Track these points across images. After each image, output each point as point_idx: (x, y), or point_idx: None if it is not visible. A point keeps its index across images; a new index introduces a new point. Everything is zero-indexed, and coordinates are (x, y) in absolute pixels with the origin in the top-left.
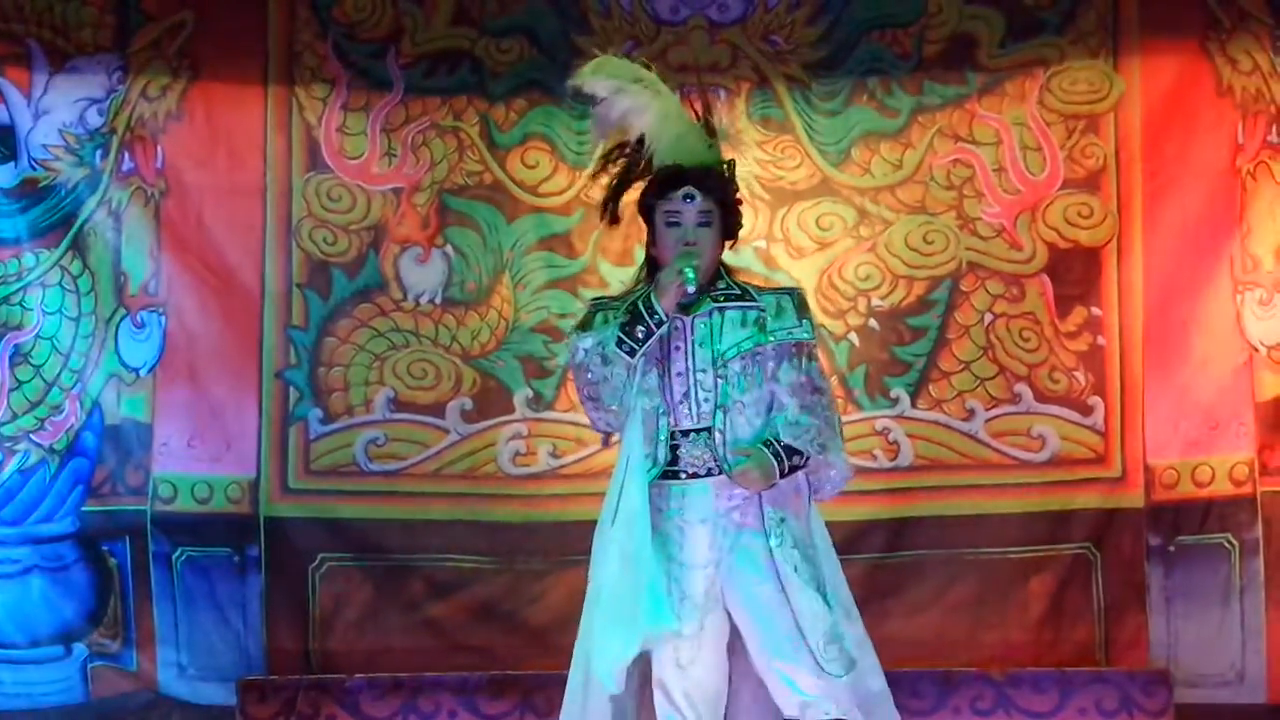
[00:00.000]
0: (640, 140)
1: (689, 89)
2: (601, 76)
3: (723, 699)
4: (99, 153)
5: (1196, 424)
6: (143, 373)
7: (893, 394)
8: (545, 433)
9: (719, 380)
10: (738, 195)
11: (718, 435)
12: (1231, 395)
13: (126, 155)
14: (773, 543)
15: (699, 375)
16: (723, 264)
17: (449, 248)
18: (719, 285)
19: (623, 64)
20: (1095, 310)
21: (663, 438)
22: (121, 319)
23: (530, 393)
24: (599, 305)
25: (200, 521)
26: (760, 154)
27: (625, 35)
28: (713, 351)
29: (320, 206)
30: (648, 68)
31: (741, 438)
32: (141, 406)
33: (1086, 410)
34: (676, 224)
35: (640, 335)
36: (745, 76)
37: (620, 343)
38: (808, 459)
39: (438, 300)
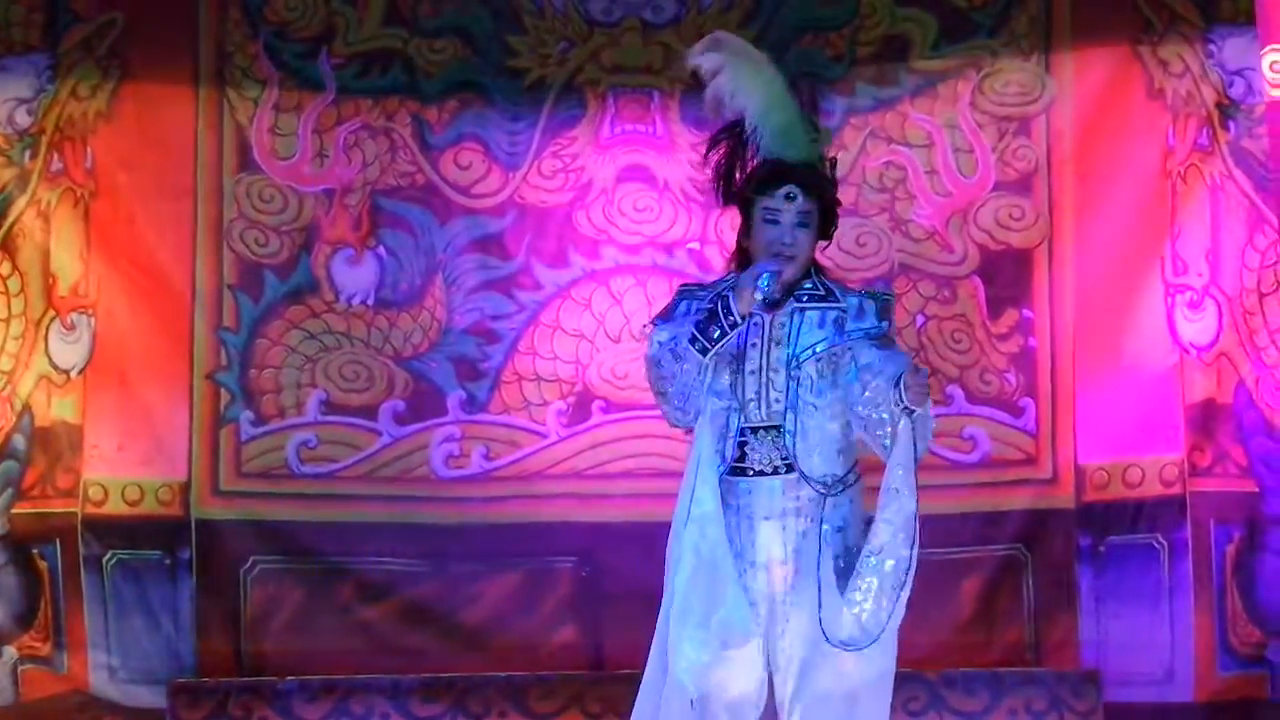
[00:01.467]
0: (744, 123)
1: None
2: (712, 53)
3: (763, 697)
4: (28, 153)
5: (1127, 425)
6: (73, 374)
7: None
8: (478, 435)
9: (791, 381)
10: (837, 195)
11: (787, 435)
12: (1162, 397)
13: (56, 156)
14: (822, 547)
15: (772, 374)
16: (814, 263)
17: (381, 249)
18: (805, 285)
19: (735, 41)
20: (1026, 312)
21: (733, 434)
22: (51, 321)
23: (463, 395)
24: (685, 293)
25: (131, 524)
26: (694, 155)
27: (559, 36)
28: (789, 351)
29: (251, 208)
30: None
31: (811, 440)
32: (72, 408)
33: (1017, 412)
34: (774, 222)
35: (714, 335)
36: (679, 78)
37: (694, 340)
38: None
39: (370, 302)
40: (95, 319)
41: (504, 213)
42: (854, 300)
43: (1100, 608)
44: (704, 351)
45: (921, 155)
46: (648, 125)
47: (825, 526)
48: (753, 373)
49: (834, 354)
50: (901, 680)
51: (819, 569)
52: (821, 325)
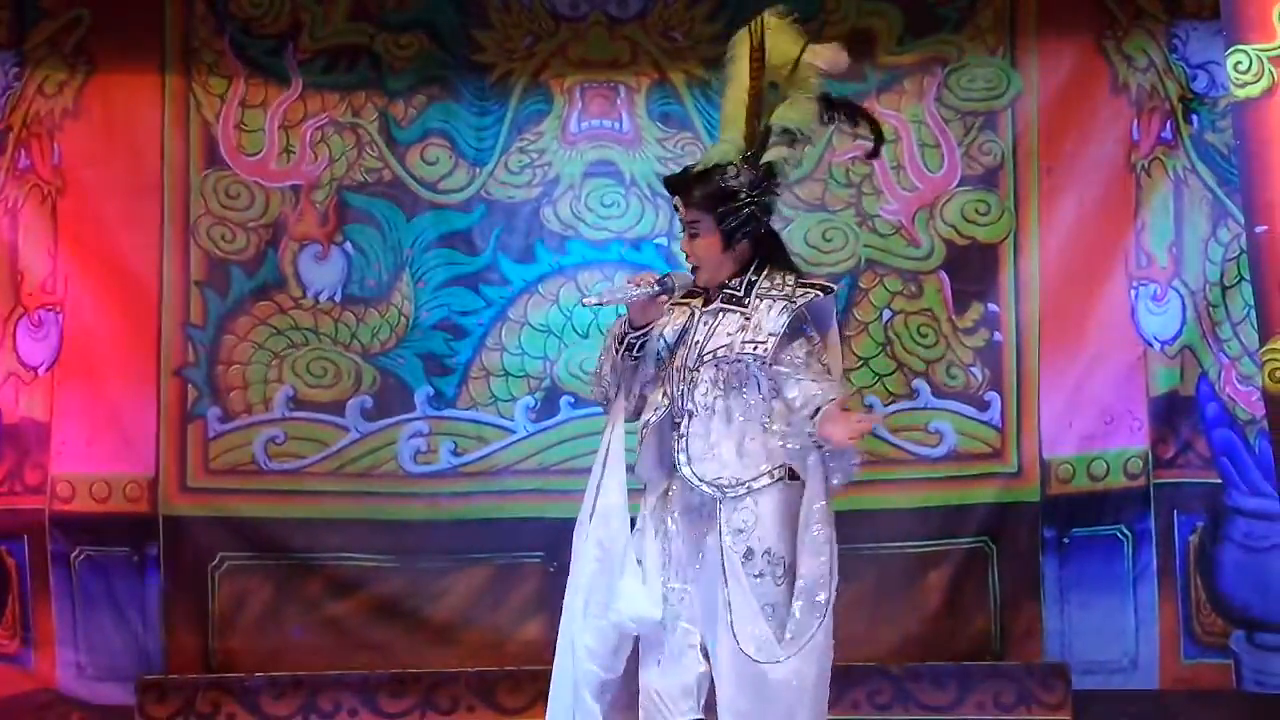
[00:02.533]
0: None
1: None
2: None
3: (703, 691)
4: None
5: (1091, 418)
6: (41, 371)
7: None
8: (446, 430)
9: (686, 383)
10: (754, 187)
11: (679, 438)
12: (1126, 390)
13: (23, 152)
14: (725, 540)
15: (689, 372)
16: (769, 251)
17: (348, 245)
18: (731, 284)
19: (740, 37)
20: (992, 306)
21: (654, 423)
22: (19, 318)
23: (431, 390)
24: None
25: (99, 521)
26: (660, 150)
27: (525, 30)
28: (699, 351)
29: (218, 204)
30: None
31: (704, 442)
32: (40, 405)
33: (983, 405)
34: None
35: (619, 338)
36: (645, 72)
37: (616, 339)
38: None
39: (337, 298)
40: (63, 315)
41: (471, 208)
42: (764, 305)
43: (1065, 598)
44: (616, 351)
45: (888, 150)
46: (614, 120)
47: (725, 528)
48: (677, 369)
49: (735, 361)
50: (867, 674)
51: (724, 574)
52: (727, 331)
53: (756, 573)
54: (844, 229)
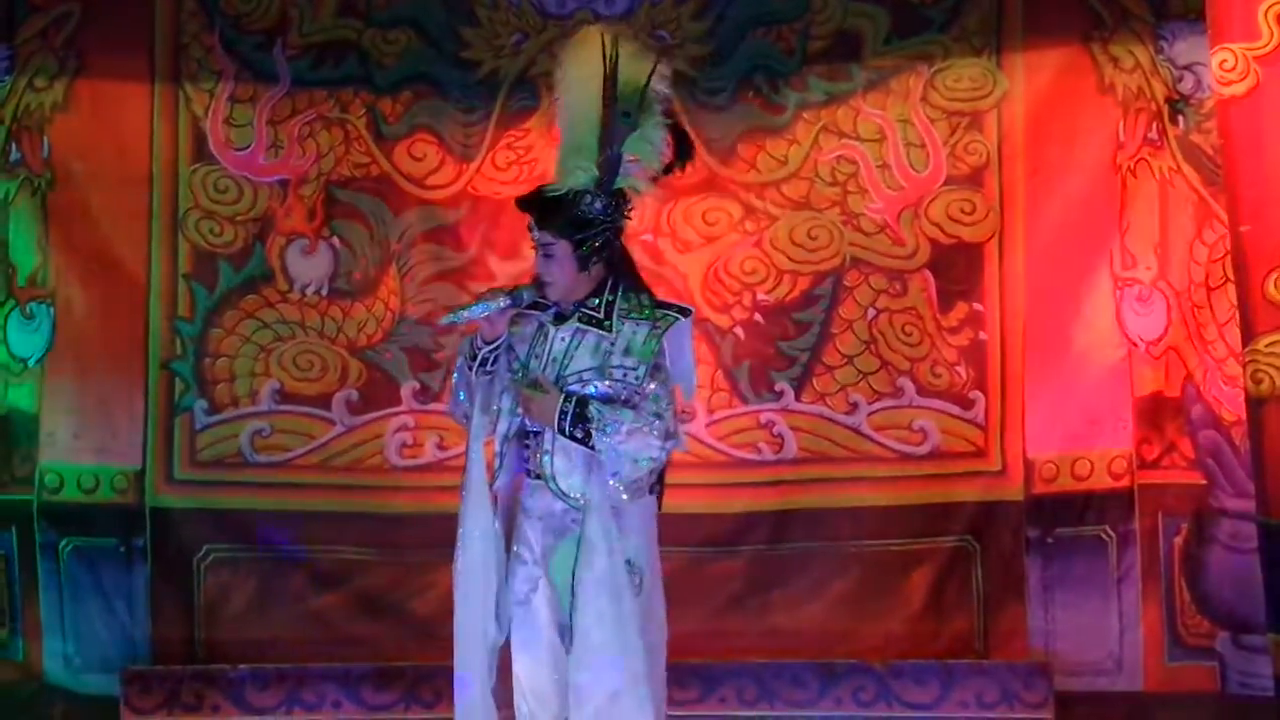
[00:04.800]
0: None
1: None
2: (567, 51)
3: (561, 690)
4: None
5: (1076, 418)
6: (31, 363)
7: (777, 387)
8: (432, 424)
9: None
10: (606, 213)
11: (544, 455)
12: (1110, 390)
13: (14, 146)
14: (578, 557)
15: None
16: (622, 272)
17: (335, 239)
18: (590, 304)
19: (587, 45)
20: (977, 305)
21: (509, 435)
22: (10, 310)
23: (417, 385)
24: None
25: (86, 512)
26: None
27: (512, 28)
28: (558, 369)
29: (207, 198)
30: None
31: (569, 458)
32: (29, 397)
33: (967, 404)
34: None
35: (471, 355)
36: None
37: (468, 357)
38: (589, 441)
39: (324, 292)
40: (54, 308)
41: (458, 204)
42: (628, 329)
43: (1049, 598)
44: (469, 368)
45: (873, 149)
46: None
47: (581, 537)
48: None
49: (599, 381)
50: (850, 671)
51: (572, 579)
52: (593, 351)
53: (609, 576)
54: (829, 227)
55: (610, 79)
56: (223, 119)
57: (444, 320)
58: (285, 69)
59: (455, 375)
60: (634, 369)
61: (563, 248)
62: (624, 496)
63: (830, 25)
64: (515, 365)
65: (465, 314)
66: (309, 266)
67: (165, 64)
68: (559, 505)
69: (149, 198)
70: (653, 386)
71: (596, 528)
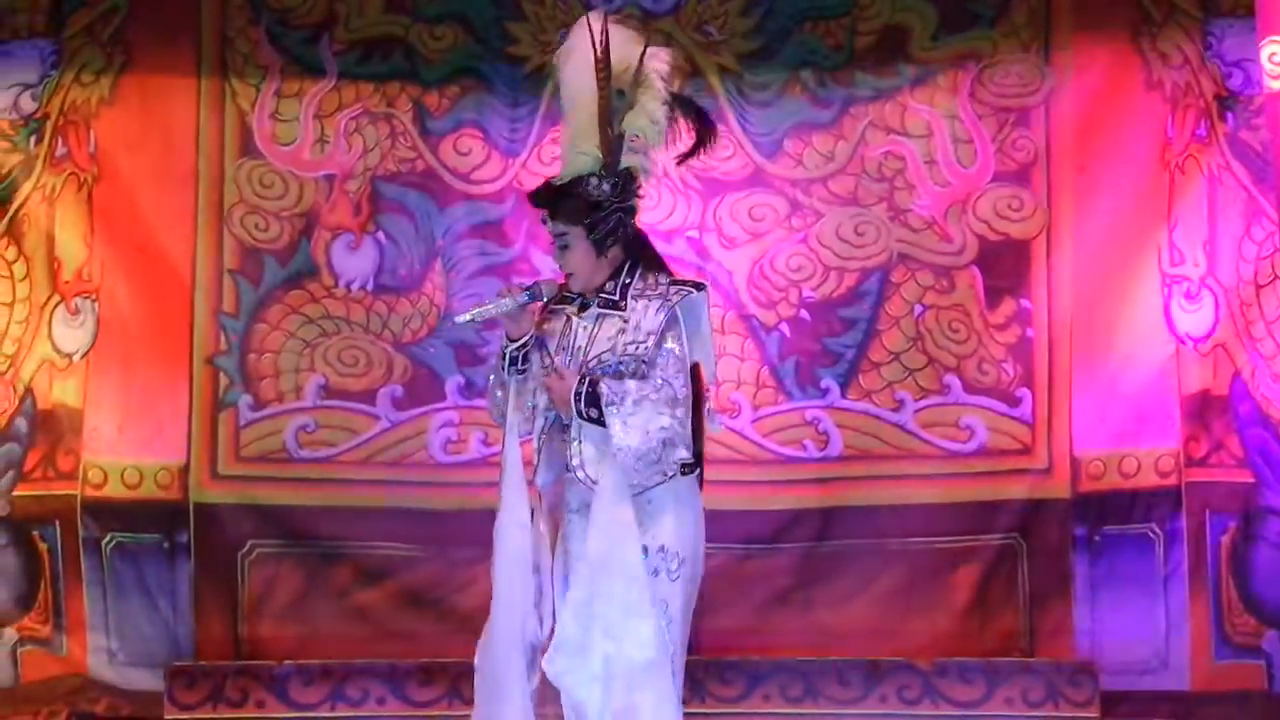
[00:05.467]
0: None
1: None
2: (568, 42)
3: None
4: (33, 138)
5: (1123, 416)
6: (75, 359)
7: (823, 384)
8: (476, 420)
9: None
10: (616, 193)
11: (572, 443)
12: (1158, 388)
13: (60, 141)
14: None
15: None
16: (639, 254)
17: (381, 234)
18: (607, 288)
19: (582, 33)
20: (1024, 302)
21: (545, 428)
22: (56, 305)
23: (462, 380)
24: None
25: (130, 507)
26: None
27: (559, 23)
28: (582, 356)
29: (252, 193)
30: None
31: (598, 445)
32: (73, 392)
33: (1014, 402)
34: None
35: (505, 364)
36: (678, 66)
37: (501, 356)
38: (600, 418)
39: (369, 287)
40: (99, 303)
41: (503, 199)
42: (643, 306)
43: (1095, 597)
44: (502, 367)
45: (921, 145)
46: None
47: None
48: None
49: (619, 365)
50: (895, 669)
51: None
52: (609, 335)
53: (652, 570)
54: (876, 223)
55: (603, 60)
56: (269, 114)
57: (460, 319)
58: (332, 63)
59: (491, 376)
60: (643, 342)
61: (577, 235)
62: (638, 472)
63: (878, 21)
64: (548, 362)
65: (480, 312)
66: (354, 262)
67: (211, 58)
68: (591, 495)
69: (195, 192)
70: (658, 354)
71: (604, 507)
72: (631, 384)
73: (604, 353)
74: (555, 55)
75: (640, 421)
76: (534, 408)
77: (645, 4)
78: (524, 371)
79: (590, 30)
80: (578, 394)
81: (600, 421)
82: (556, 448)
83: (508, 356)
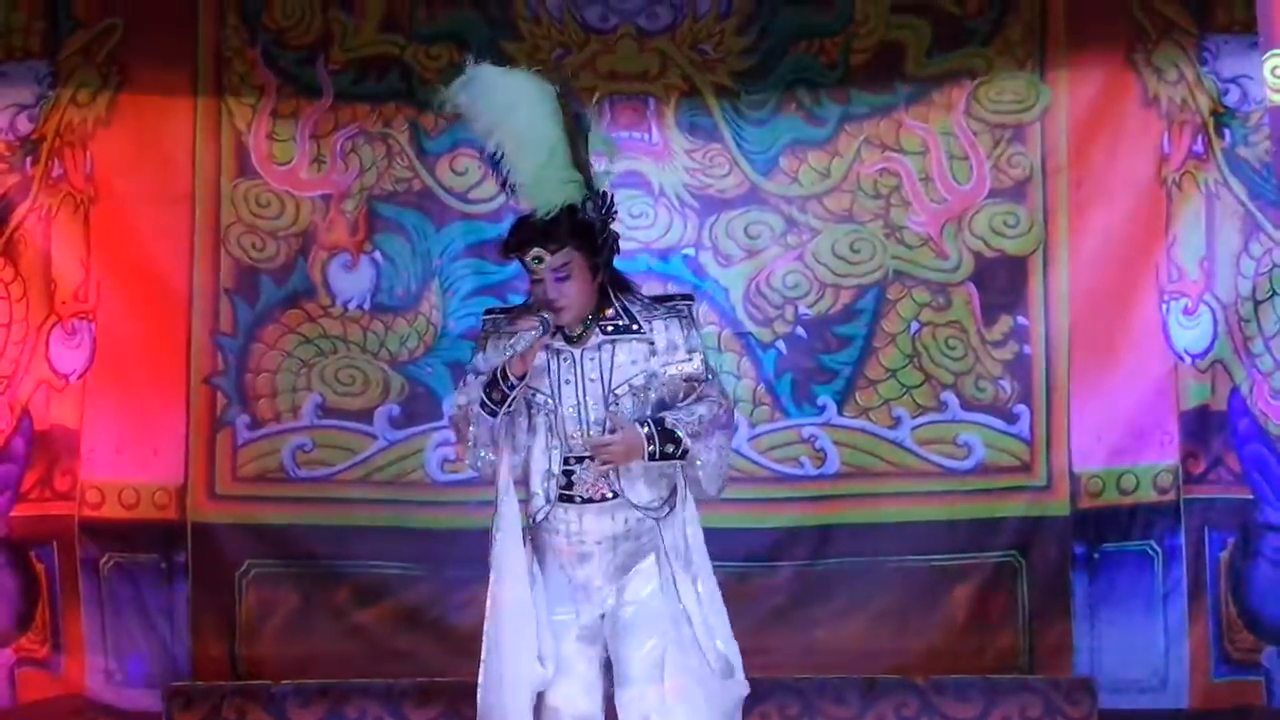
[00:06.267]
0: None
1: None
2: (463, 96)
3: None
4: (29, 159)
5: (1121, 432)
6: (73, 379)
7: (819, 402)
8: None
9: (610, 414)
10: (604, 219)
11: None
12: (1156, 404)
13: (56, 162)
14: (663, 568)
15: (591, 408)
16: (613, 281)
17: (378, 254)
18: (606, 314)
19: (488, 79)
20: (1021, 319)
21: (555, 471)
22: (53, 326)
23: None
24: (491, 323)
25: (127, 528)
26: (689, 162)
27: (554, 43)
28: (603, 386)
29: (249, 212)
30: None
31: (634, 469)
32: (71, 412)
33: (1012, 418)
34: (537, 281)
35: (497, 399)
36: (674, 85)
37: (484, 404)
38: (683, 451)
39: (366, 307)
40: (95, 324)
41: (500, 218)
42: (659, 325)
43: (1094, 614)
44: (493, 414)
45: (916, 162)
46: (643, 132)
47: (665, 547)
48: (571, 408)
49: (648, 386)
50: (893, 687)
51: (678, 595)
52: (633, 358)
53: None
54: (872, 240)
55: (564, 93)
56: (265, 134)
57: (494, 309)
58: (328, 83)
59: (472, 428)
60: (687, 360)
61: (578, 263)
62: (716, 488)
63: (872, 38)
64: (541, 397)
65: (519, 347)
66: (351, 281)
67: (208, 79)
68: (621, 523)
69: (191, 213)
70: (706, 372)
71: (679, 537)
72: (700, 409)
73: (633, 377)
74: (467, 109)
75: (716, 441)
76: (528, 447)
77: (640, 23)
78: (510, 413)
79: (506, 90)
80: (649, 437)
81: (677, 456)
82: (555, 483)
83: (510, 397)
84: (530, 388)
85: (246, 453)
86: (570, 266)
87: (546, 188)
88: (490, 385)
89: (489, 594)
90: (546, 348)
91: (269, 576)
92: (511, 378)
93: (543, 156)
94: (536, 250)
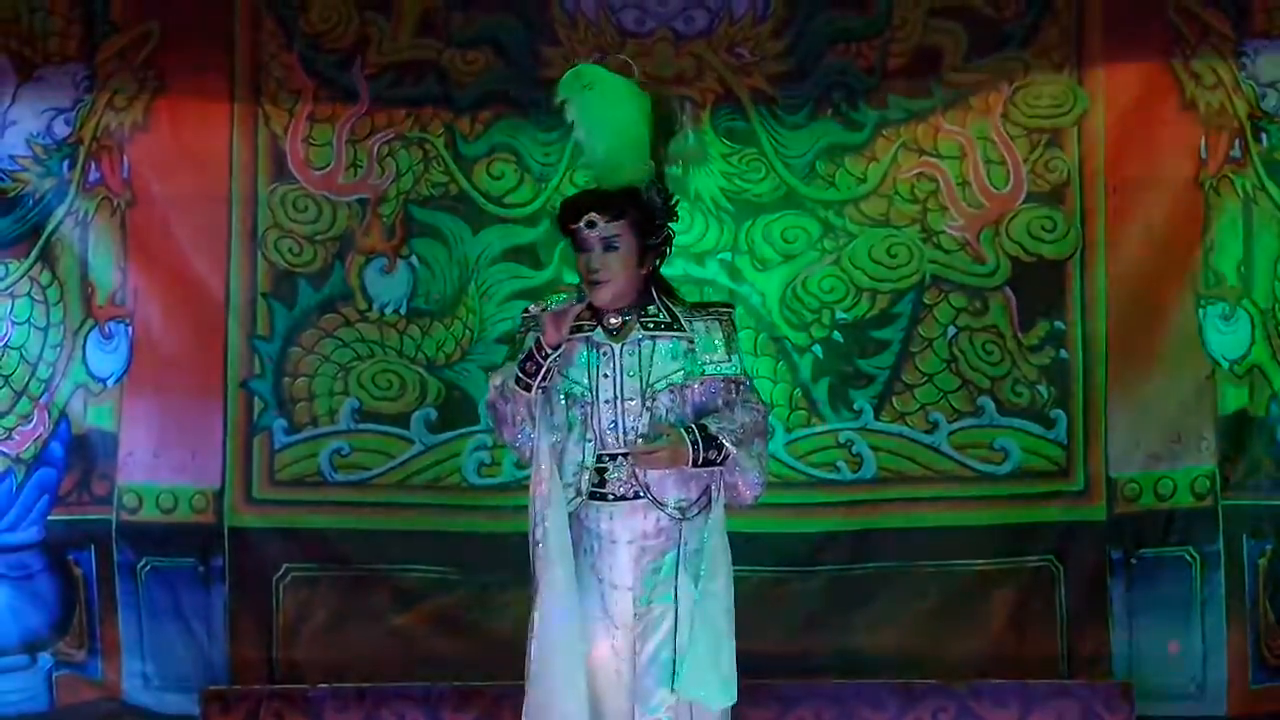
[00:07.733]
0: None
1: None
2: (564, 91)
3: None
4: (66, 163)
5: (1158, 437)
6: (110, 383)
7: (856, 406)
8: None
9: (647, 409)
10: (665, 211)
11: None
12: (1194, 409)
13: (93, 165)
14: (679, 571)
15: (628, 403)
16: (656, 282)
17: (414, 258)
18: (649, 310)
19: (578, 72)
20: (1058, 324)
21: (588, 464)
22: (90, 329)
23: None
24: (527, 321)
25: (165, 531)
26: (725, 166)
27: (591, 46)
28: (641, 381)
29: (286, 216)
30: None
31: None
32: (108, 416)
33: (1049, 423)
34: (582, 249)
35: (532, 371)
36: (710, 88)
37: (518, 380)
38: (725, 456)
39: (403, 311)
40: (132, 328)
41: (536, 223)
42: (700, 326)
43: (1132, 620)
44: (528, 389)
45: (953, 166)
46: (680, 135)
47: (683, 549)
48: (607, 402)
49: (686, 387)
50: (930, 692)
51: (675, 601)
52: (673, 355)
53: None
54: (909, 245)
55: (660, 98)
56: (302, 138)
57: (531, 309)
58: (365, 88)
59: (509, 405)
60: (725, 361)
61: (627, 239)
62: (758, 494)
63: (909, 42)
64: (578, 389)
65: (551, 307)
66: (388, 285)
67: (245, 83)
68: (652, 522)
69: (228, 217)
70: (745, 378)
71: (698, 540)
72: (742, 415)
73: (672, 374)
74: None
75: (756, 449)
76: (565, 426)
77: (677, 26)
78: (546, 388)
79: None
80: (694, 444)
81: (719, 461)
82: (589, 478)
83: (545, 367)
84: (567, 378)
85: (284, 457)
86: (620, 240)
87: (617, 169)
88: (526, 358)
89: (534, 571)
90: (586, 340)
91: (306, 580)
92: (546, 347)
93: (620, 140)
94: (591, 215)
